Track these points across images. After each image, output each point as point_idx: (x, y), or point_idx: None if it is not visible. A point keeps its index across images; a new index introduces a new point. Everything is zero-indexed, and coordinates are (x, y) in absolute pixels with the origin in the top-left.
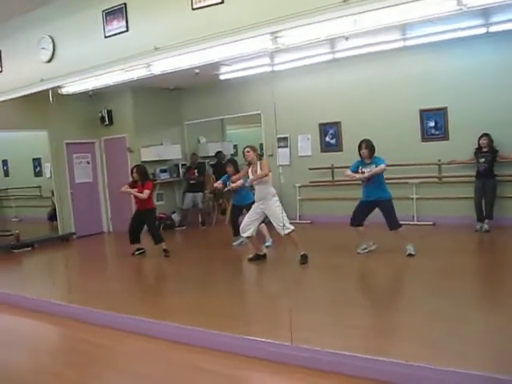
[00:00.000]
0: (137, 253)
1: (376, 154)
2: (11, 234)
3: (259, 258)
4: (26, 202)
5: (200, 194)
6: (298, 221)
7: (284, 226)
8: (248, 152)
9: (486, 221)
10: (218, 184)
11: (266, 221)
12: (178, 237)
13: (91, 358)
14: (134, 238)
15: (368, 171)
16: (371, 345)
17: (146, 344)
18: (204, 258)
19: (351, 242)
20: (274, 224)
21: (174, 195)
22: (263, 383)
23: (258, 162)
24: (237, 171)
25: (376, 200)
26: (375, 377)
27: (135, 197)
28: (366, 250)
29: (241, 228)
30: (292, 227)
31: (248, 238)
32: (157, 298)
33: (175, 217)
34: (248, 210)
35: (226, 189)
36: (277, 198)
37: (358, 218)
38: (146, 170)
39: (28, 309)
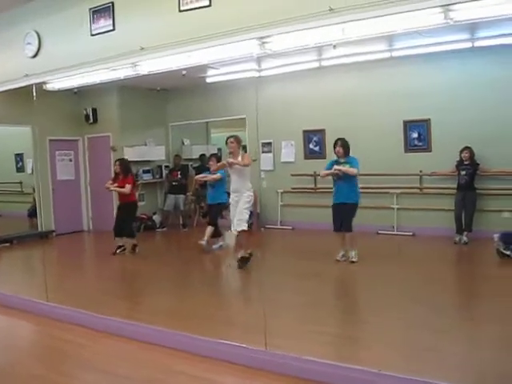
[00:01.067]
0: (118, 251)
1: (351, 154)
2: None
3: (246, 259)
4: (6, 197)
5: (182, 195)
6: (279, 226)
7: (238, 223)
8: (232, 143)
9: (465, 233)
10: (201, 177)
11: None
12: (158, 238)
13: (65, 356)
14: (118, 230)
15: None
16: (345, 352)
17: (122, 344)
18: (182, 260)
19: (330, 248)
20: (236, 215)
21: (156, 196)
22: None
23: (240, 154)
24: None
25: (342, 203)
26: None
27: (120, 193)
28: (344, 258)
29: (232, 225)
30: (244, 227)
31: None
32: (134, 299)
33: (156, 218)
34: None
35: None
36: (251, 194)
37: (337, 222)
38: (129, 164)
39: (3, 305)
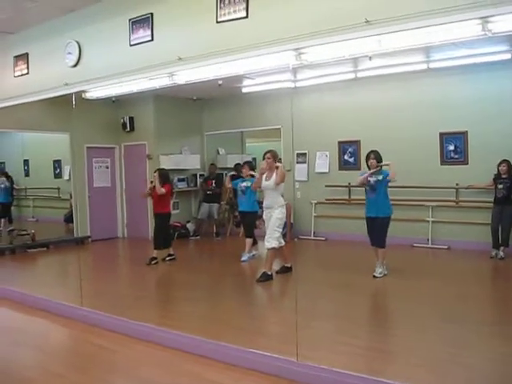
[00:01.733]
0: (153, 262)
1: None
2: (27, 234)
3: (287, 270)
4: (43, 202)
5: (216, 204)
6: (312, 237)
7: (268, 240)
8: (268, 158)
9: (502, 248)
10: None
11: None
12: (192, 246)
13: (97, 360)
14: (157, 243)
15: (374, 180)
16: (376, 366)
17: (153, 351)
18: (215, 269)
19: (363, 260)
20: (266, 234)
21: (190, 205)
22: None
23: (275, 170)
24: (252, 175)
25: (375, 217)
26: None
27: (153, 197)
28: (382, 274)
29: (265, 240)
30: (275, 245)
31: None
32: (167, 306)
33: (190, 226)
34: (252, 219)
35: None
36: (283, 210)
37: (371, 236)
38: (167, 174)
39: (39, 309)
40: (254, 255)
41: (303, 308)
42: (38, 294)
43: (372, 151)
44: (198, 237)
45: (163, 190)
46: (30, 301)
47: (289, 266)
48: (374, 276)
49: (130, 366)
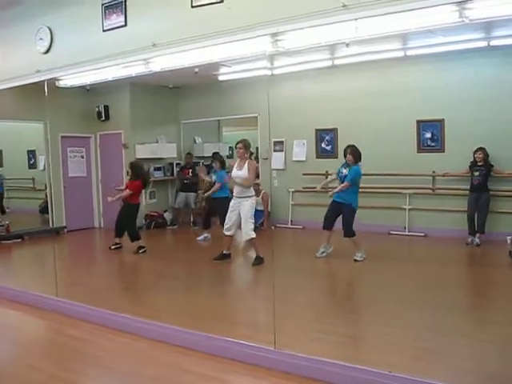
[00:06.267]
0: (113, 247)
1: (360, 163)
2: (1, 225)
3: (224, 257)
4: (18, 193)
5: (193, 193)
6: (289, 225)
7: (247, 233)
8: (240, 148)
9: (478, 235)
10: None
11: None
12: (169, 236)
13: (73, 352)
14: (119, 229)
15: (343, 173)
16: (354, 353)
17: (130, 342)
18: (192, 258)
19: (341, 248)
20: (242, 227)
21: (167, 194)
22: None
23: (247, 162)
24: (223, 167)
25: (340, 202)
26: None
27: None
28: (324, 254)
29: (224, 225)
30: (253, 235)
31: (228, 236)
32: (143, 297)
33: (167, 215)
34: (224, 206)
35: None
36: (253, 201)
37: (329, 221)
38: (140, 167)
39: (14, 301)
40: (206, 237)
41: (280, 296)
42: (12, 286)
43: (349, 146)
44: (176, 226)
45: (126, 194)
46: (4, 293)
47: (261, 256)
48: (356, 260)
49: (107, 358)
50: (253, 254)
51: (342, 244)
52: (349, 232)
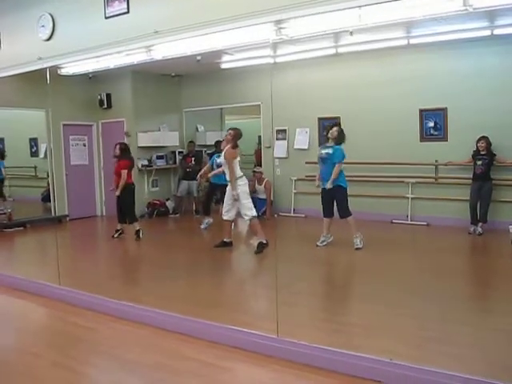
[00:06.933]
0: (116, 235)
1: (342, 146)
2: (3, 213)
3: (225, 244)
4: (20, 181)
5: (195, 182)
6: (292, 214)
7: (246, 214)
8: (229, 135)
9: (480, 224)
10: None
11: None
12: (171, 224)
13: (76, 340)
14: (122, 216)
15: (326, 152)
16: (356, 341)
17: (132, 329)
18: (195, 246)
19: (342, 236)
20: (241, 211)
21: (170, 182)
22: (247, 374)
23: (225, 149)
24: None
25: (328, 188)
26: (358, 374)
27: (115, 175)
28: (325, 243)
29: (222, 209)
30: (253, 213)
31: (226, 220)
32: (145, 284)
33: (169, 204)
34: (223, 191)
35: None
36: (243, 181)
37: (328, 209)
38: (127, 147)
39: (16, 289)
40: (207, 223)
41: (283, 285)
42: (15, 274)
43: (335, 124)
44: (178, 214)
45: (124, 176)
46: (6, 281)
47: (264, 241)
48: (358, 248)
49: (109, 345)
50: (255, 242)
51: (343, 233)
52: (345, 212)
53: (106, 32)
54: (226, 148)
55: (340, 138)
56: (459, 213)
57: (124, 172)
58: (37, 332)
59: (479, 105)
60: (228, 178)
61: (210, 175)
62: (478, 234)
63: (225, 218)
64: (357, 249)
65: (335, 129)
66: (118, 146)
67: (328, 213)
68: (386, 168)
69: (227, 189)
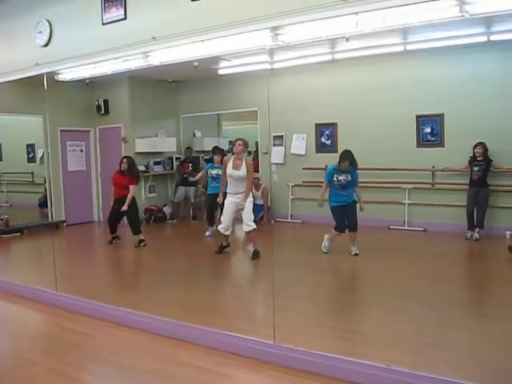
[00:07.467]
0: (114, 241)
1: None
2: (0, 219)
3: (224, 248)
4: (17, 187)
5: (192, 187)
6: (289, 220)
7: (248, 224)
8: (239, 145)
9: (477, 229)
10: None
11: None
12: (168, 230)
13: (73, 346)
14: (114, 225)
15: (345, 179)
16: (353, 347)
17: (130, 335)
18: (191, 253)
19: (340, 242)
20: (244, 219)
21: (167, 188)
22: (244, 380)
23: (244, 160)
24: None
25: (347, 204)
26: (356, 380)
27: (117, 186)
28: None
29: (220, 224)
30: (254, 226)
31: (226, 235)
32: (143, 290)
33: (167, 209)
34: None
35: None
36: (252, 199)
37: (343, 222)
38: (134, 162)
39: (13, 295)
40: (212, 231)
41: (280, 290)
42: (12, 280)
43: (346, 155)
44: (175, 220)
45: (132, 192)
46: (3, 286)
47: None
48: (356, 254)
49: (107, 352)
50: (252, 248)
51: (339, 239)
52: (357, 226)
53: (104, 38)
54: (246, 160)
55: (353, 166)
56: (456, 218)
57: (133, 187)
58: (33, 338)
59: (476, 111)
60: (239, 189)
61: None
62: (475, 239)
63: (226, 233)
64: (356, 254)
65: (347, 163)
66: (124, 160)
67: (344, 227)
68: (382, 174)
69: (226, 201)
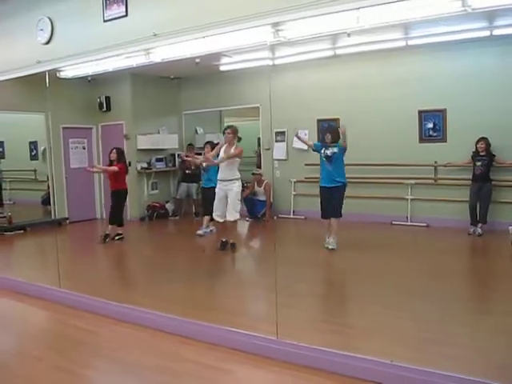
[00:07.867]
0: (116, 238)
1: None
2: (4, 217)
3: (225, 244)
4: (20, 184)
5: (195, 184)
6: (291, 216)
7: (232, 213)
8: (229, 134)
9: (480, 225)
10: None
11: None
12: (171, 226)
13: (77, 343)
14: (111, 218)
15: (331, 152)
16: (355, 343)
17: (132, 331)
18: (194, 249)
19: (342, 238)
20: (228, 207)
21: (169, 185)
22: (247, 376)
23: (234, 145)
24: None
25: (332, 187)
26: (358, 375)
27: (107, 174)
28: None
29: (214, 211)
30: (237, 216)
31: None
32: (145, 287)
33: (169, 206)
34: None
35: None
36: (240, 183)
37: (326, 209)
38: (123, 153)
39: (17, 292)
40: (211, 231)
41: (283, 286)
42: (15, 277)
43: (329, 131)
44: (177, 217)
45: (113, 169)
46: (7, 284)
47: (231, 241)
48: (332, 248)
49: (110, 348)
50: (230, 241)
51: (341, 234)
52: (339, 213)
53: (105, 35)
54: (239, 146)
55: (335, 139)
56: (459, 214)
57: (117, 167)
58: (37, 335)
59: (478, 106)
60: (227, 176)
61: (199, 161)
62: (478, 234)
63: (220, 220)
64: (331, 249)
65: (328, 136)
66: (114, 150)
67: (328, 213)
68: (385, 169)
69: (217, 189)
